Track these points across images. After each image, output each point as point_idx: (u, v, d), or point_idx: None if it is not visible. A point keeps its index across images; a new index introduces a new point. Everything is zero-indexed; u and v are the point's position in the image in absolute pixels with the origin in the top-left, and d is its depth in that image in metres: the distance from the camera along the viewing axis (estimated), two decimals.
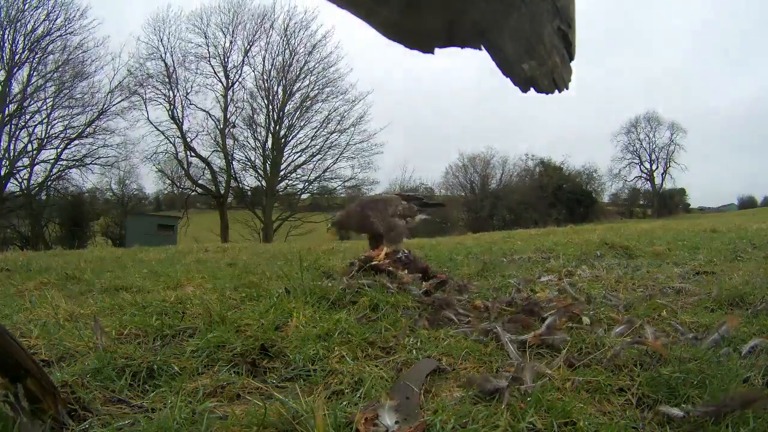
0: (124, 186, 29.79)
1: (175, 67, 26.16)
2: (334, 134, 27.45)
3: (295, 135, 27.74)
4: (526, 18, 1.08)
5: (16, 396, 1.04)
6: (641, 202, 43.88)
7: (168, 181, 28.68)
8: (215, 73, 27.02)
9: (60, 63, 24.04)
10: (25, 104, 23.64)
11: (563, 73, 1.15)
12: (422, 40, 1.18)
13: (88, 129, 24.81)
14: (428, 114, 58.34)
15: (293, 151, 27.76)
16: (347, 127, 27.36)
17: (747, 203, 42.18)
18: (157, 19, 26.25)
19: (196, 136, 26.92)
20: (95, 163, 25.58)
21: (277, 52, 27.09)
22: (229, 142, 27.18)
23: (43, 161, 24.70)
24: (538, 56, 1.10)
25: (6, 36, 22.91)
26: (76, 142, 24.92)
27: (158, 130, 25.99)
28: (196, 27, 26.51)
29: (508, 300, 2.24)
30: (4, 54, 22.89)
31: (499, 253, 4.60)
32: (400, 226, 2.96)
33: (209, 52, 26.70)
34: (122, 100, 25.04)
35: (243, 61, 27.13)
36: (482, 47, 1.14)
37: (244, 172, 28.13)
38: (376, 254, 2.79)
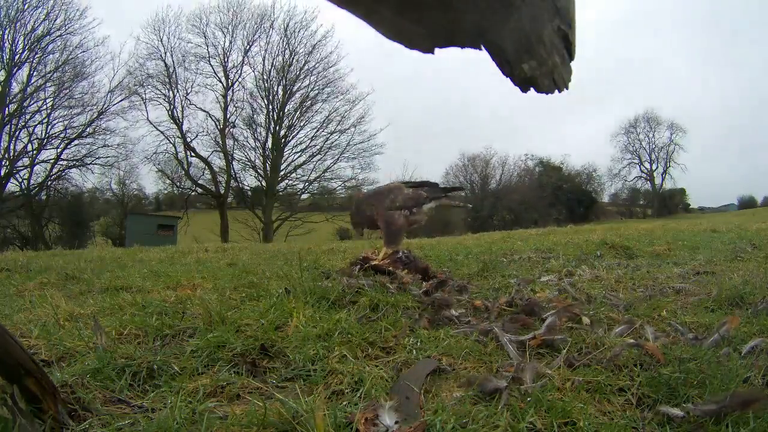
0: (124, 186, 29.84)
1: (174, 67, 26.18)
2: (335, 134, 27.49)
3: (295, 135, 27.80)
4: (527, 18, 1.08)
5: (13, 397, 1.04)
6: (641, 202, 43.92)
7: (168, 181, 28.70)
8: (215, 73, 27.05)
9: (60, 63, 24.06)
10: (25, 104, 23.65)
11: (563, 73, 1.15)
12: (422, 40, 1.17)
13: (88, 129, 24.84)
14: (428, 113, 58.36)
15: (293, 151, 27.82)
16: (347, 128, 27.41)
17: (747, 203, 42.18)
18: (157, 19, 26.26)
19: (196, 136, 26.95)
20: (95, 163, 25.62)
21: (277, 52, 27.12)
22: (229, 142, 27.22)
23: (43, 161, 24.74)
24: (538, 56, 1.10)
25: (6, 36, 22.92)
26: (76, 142, 24.96)
27: (158, 130, 26.02)
28: (195, 27, 26.52)
29: (508, 300, 2.23)
30: (4, 54, 22.91)
31: (499, 253, 4.60)
32: (398, 221, 2.72)
33: (209, 52, 26.72)
34: (122, 100, 25.08)
35: (243, 61, 27.16)
36: (482, 47, 1.14)
37: (244, 172, 28.19)
38: (372, 252, 2.78)
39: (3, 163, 23.51)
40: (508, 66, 1.12)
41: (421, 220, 2.83)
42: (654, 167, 41.68)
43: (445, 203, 2.93)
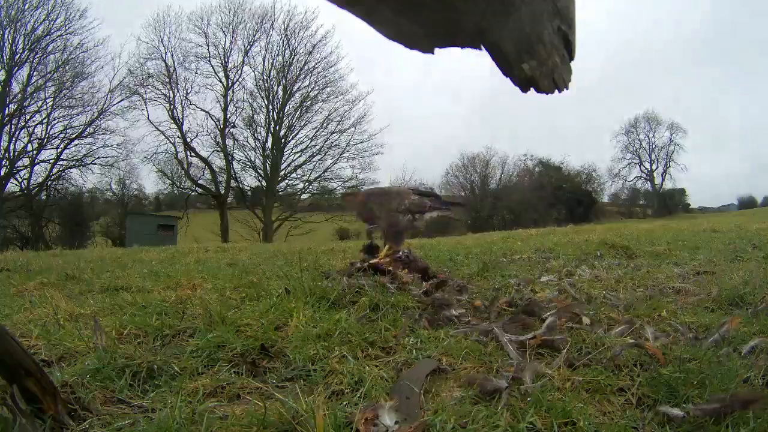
0: (124, 186, 29.85)
1: (175, 67, 26.17)
2: (335, 134, 27.50)
3: (295, 135, 27.79)
4: (527, 18, 1.08)
5: (13, 397, 1.04)
6: (641, 202, 43.87)
7: (168, 181, 28.71)
8: (215, 73, 27.04)
9: (60, 63, 24.05)
10: (25, 104, 23.64)
11: (563, 73, 1.15)
12: (422, 40, 1.18)
13: (88, 129, 24.83)
14: (428, 113, 58.38)
15: (293, 151, 27.82)
16: (347, 128, 27.42)
17: (747, 203, 42.11)
18: (158, 19, 26.28)
19: (196, 136, 26.94)
20: (95, 163, 25.60)
21: (277, 52, 27.12)
22: (229, 142, 27.23)
23: (43, 161, 24.73)
24: (539, 56, 1.10)
25: (6, 36, 22.91)
26: (76, 142, 24.95)
27: (158, 130, 26.01)
28: (196, 27, 26.53)
29: (508, 300, 2.23)
30: (4, 54, 22.90)
31: (499, 253, 4.60)
32: (403, 224, 2.83)
33: (209, 52, 26.71)
34: (122, 99, 25.07)
35: (243, 61, 27.14)
36: (482, 47, 1.14)
37: (244, 172, 28.19)
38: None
39: (3, 163, 23.52)
40: (508, 66, 1.12)
41: (420, 227, 2.91)
42: (654, 167, 41.66)
43: (446, 215, 3.01)
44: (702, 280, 2.86)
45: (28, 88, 23.63)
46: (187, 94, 26.47)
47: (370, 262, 2.62)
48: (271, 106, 27.34)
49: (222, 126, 26.98)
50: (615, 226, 12.04)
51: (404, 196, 2.85)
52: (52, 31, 23.66)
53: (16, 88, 23.65)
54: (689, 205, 43.18)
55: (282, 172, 27.66)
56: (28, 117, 23.98)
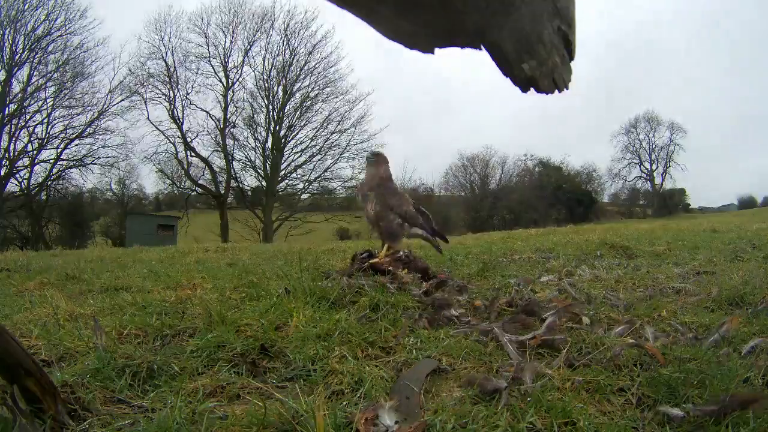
0: (124, 186, 29.92)
1: (175, 67, 26.20)
2: (335, 134, 27.49)
3: (296, 135, 27.79)
4: (527, 18, 1.08)
5: (13, 397, 1.04)
6: (641, 202, 43.88)
7: (168, 181, 28.75)
8: (215, 73, 27.06)
9: (60, 63, 24.09)
10: (25, 104, 23.67)
11: (563, 73, 1.15)
12: (422, 40, 1.18)
13: (88, 129, 24.87)
14: (428, 113, 58.38)
15: (293, 151, 27.81)
16: (348, 128, 27.41)
17: (747, 203, 42.11)
18: (158, 18, 26.31)
19: (196, 136, 26.95)
20: (95, 163, 25.64)
21: (277, 52, 27.13)
22: (229, 142, 27.24)
23: (43, 161, 24.76)
24: (539, 56, 1.10)
25: (6, 36, 22.94)
26: (76, 142, 24.98)
27: (158, 130, 26.03)
28: (196, 27, 26.55)
29: (508, 300, 2.23)
30: (4, 54, 22.92)
31: (499, 253, 4.59)
32: (394, 224, 2.83)
33: (209, 52, 26.73)
34: (123, 99, 25.11)
35: (243, 61, 27.17)
36: (482, 47, 1.14)
37: (244, 172, 28.20)
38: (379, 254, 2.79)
39: (3, 163, 23.54)
40: (508, 66, 1.12)
41: (405, 236, 2.97)
42: (654, 167, 41.68)
43: (427, 240, 3.06)
44: (702, 280, 2.85)
45: (28, 88, 23.68)
46: (188, 94, 26.52)
47: (370, 261, 2.62)
48: (271, 106, 27.37)
49: (222, 126, 27.01)
50: (615, 226, 12.04)
51: (403, 202, 2.92)
52: (52, 31, 23.71)
53: (16, 88, 23.71)
54: (689, 205, 43.21)
55: (282, 172, 27.68)
56: (28, 117, 24.04)
